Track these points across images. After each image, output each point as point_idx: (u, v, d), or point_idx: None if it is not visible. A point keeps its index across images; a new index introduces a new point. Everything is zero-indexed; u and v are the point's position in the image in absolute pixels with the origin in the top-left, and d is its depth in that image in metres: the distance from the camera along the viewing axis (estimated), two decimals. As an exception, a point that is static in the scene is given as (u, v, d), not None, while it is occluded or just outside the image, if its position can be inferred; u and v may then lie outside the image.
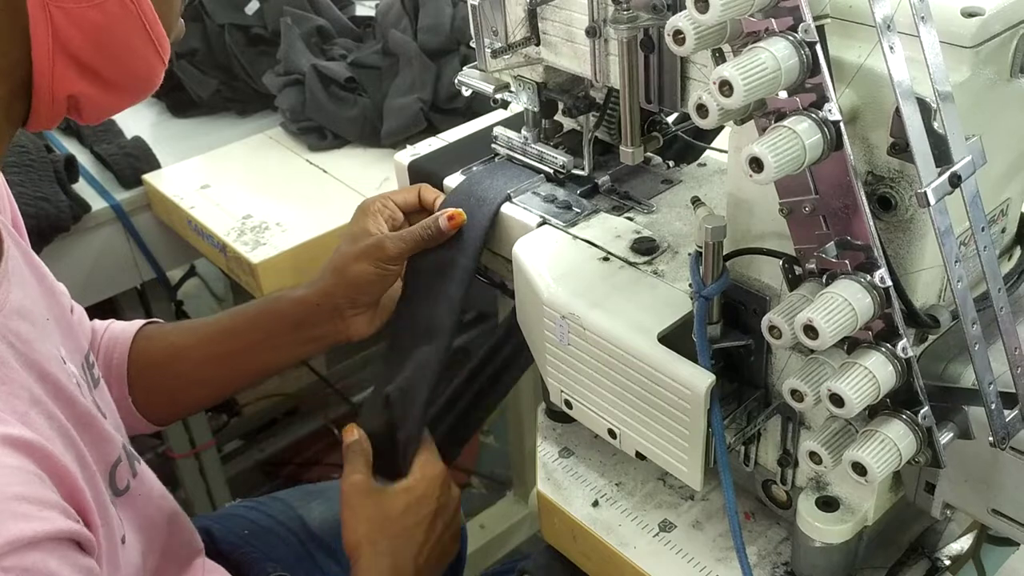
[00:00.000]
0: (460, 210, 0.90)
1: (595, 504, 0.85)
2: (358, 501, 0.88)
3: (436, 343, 0.90)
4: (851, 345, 0.62)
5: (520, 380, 1.78)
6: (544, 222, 0.87)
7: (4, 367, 0.64)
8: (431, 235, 0.90)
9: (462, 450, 1.02)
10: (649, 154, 0.93)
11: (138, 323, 0.99)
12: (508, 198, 0.90)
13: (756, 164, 0.55)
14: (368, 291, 0.93)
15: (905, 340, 0.59)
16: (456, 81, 0.95)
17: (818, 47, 0.54)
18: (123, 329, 0.98)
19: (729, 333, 0.72)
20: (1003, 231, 0.70)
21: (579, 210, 0.88)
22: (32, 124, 0.69)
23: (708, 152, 0.96)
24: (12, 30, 0.63)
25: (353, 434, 0.92)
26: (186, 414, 1.03)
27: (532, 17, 0.82)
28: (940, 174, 0.55)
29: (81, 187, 1.45)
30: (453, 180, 0.95)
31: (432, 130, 1.38)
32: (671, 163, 0.95)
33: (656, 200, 0.90)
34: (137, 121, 1.63)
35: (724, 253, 0.67)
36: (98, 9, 0.64)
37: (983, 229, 0.58)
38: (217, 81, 1.63)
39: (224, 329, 0.98)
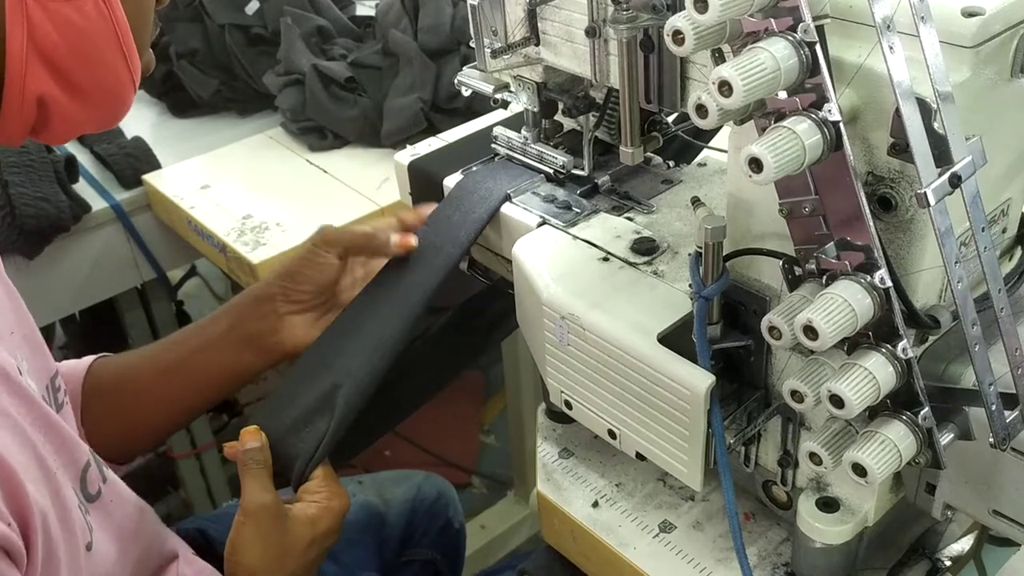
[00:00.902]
0: (414, 237, 0.89)
1: (595, 505, 0.85)
2: (268, 526, 0.81)
3: (393, 327, 0.85)
4: (851, 346, 0.61)
5: (520, 380, 1.80)
6: (544, 222, 0.87)
7: None
8: (376, 243, 0.89)
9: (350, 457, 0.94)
10: (649, 154, 0.93)
11: (90, 358, 0.97)
12: (508, 198, 0.90)
13: (756, 164, 0.54)
14: (300, 279, 0.91)
15: (905, 341, 0.59)
16: (456, 81, 0.94)
17: (818, 47, 0.54)
18: (76, 363, 0.96)
19: (729, 334, 0.72)
20: (1004, 231, 0.70)
21: (579, 210, 0.88)
22: None
23: (708, 152, 0.96)
24: None
25: (256, 439, 0.84)
26: (139, 446, 0.97)
27: (532, 17, 0.82)
28: (940, 174, 0.55)
29: (81, 187, 1.46)
30: (452, 180, 0.95)
31: (432, 130, 1.38)
32: (670, 163, 0.95)
33: (656, 200, 0.90)
34: (137, 121, 1.63)
35: (724, 253, 0.67)
36: (74, 7, 0.65)
37: (983, 229, 0.58)
38: (217, 81, 1.63)
39: (170, 340, 0.96)
